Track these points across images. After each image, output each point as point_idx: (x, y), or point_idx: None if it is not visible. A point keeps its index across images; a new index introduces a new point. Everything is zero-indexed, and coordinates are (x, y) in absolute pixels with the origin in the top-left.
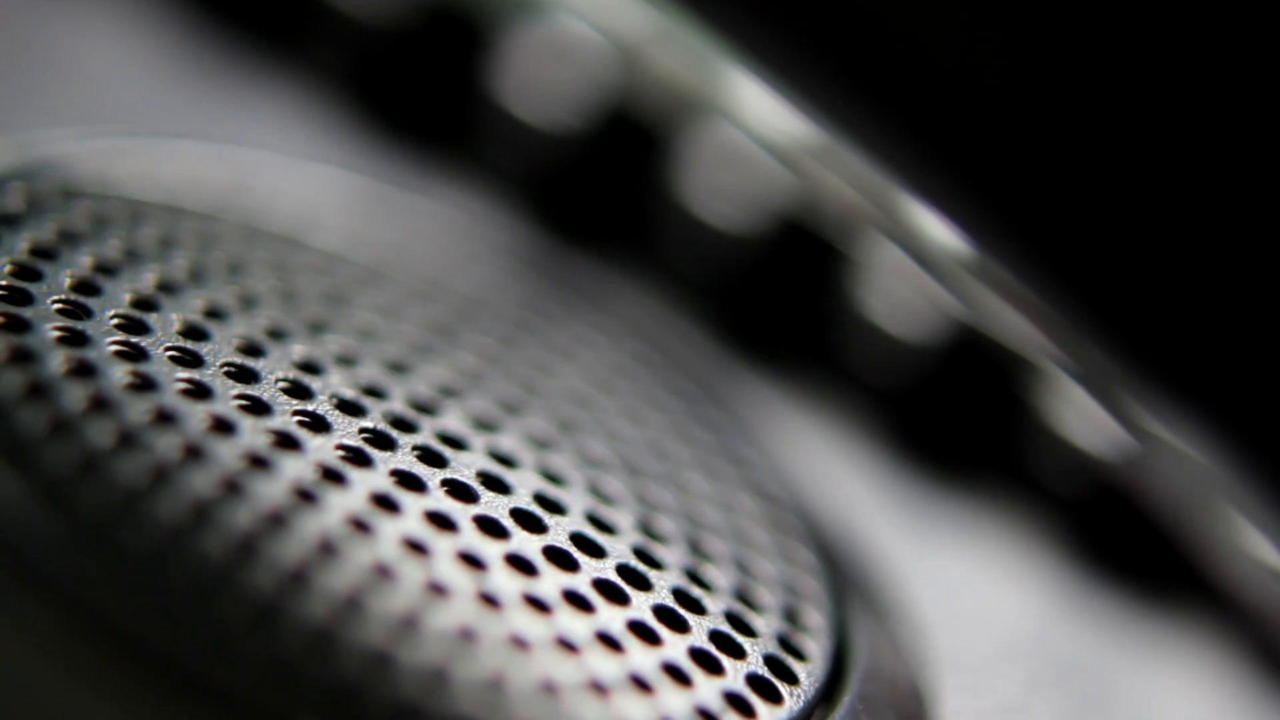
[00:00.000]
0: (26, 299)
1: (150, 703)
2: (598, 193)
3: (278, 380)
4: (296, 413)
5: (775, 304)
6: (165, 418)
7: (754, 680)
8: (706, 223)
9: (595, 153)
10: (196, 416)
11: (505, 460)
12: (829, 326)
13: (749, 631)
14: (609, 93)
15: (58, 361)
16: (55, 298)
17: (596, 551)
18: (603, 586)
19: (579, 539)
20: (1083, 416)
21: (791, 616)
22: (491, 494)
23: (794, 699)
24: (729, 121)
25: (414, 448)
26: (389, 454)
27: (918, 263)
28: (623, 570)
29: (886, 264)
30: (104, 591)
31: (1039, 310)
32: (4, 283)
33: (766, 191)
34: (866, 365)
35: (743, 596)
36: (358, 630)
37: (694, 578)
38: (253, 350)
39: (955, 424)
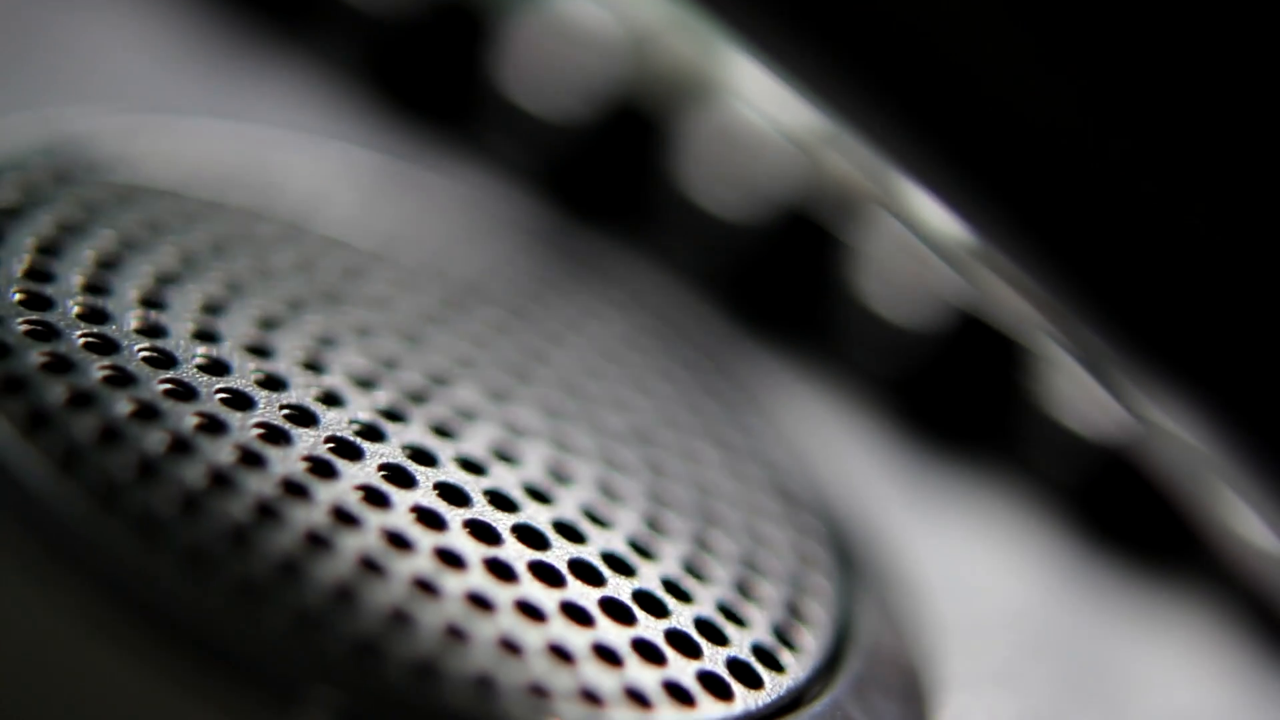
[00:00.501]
0: (48, 278)
1: (168, 663)
2: (602, 180)
3: (292, 356)
4: (311, 386)
5: (776, 291)
6: (182, 391)
7: (758, 650)
8: (709, 211)
9: (599, 140)
10: (212, 390)
11: (515, 431)
12: (829, 315)
13: (756, 601)
14: (613, 80)
15: (76, 339)
16: (77, 274)
17: (606, 523)
18: (610, 559)
19: (588, 511)
20: (1079, 397)
21: (797, 586)
22: (502, 466)
23: (799, 666)
24: (732, 108)
25: (425, 422)
26: (401, 427)
27: (917, 247)
28: (631, 542)
29: (887, 250)
30: (122, 554)
31: (1036, 293)
32: (28, 259)
33: (769, 179)
34: (867, 352)
35: (750, 564)
36: (372, 596)
37: (704, 546)
38: (269, 324)
39: (955, 402)
